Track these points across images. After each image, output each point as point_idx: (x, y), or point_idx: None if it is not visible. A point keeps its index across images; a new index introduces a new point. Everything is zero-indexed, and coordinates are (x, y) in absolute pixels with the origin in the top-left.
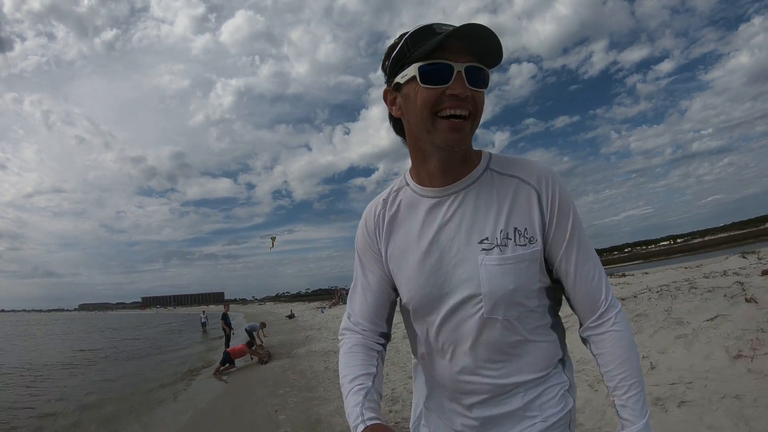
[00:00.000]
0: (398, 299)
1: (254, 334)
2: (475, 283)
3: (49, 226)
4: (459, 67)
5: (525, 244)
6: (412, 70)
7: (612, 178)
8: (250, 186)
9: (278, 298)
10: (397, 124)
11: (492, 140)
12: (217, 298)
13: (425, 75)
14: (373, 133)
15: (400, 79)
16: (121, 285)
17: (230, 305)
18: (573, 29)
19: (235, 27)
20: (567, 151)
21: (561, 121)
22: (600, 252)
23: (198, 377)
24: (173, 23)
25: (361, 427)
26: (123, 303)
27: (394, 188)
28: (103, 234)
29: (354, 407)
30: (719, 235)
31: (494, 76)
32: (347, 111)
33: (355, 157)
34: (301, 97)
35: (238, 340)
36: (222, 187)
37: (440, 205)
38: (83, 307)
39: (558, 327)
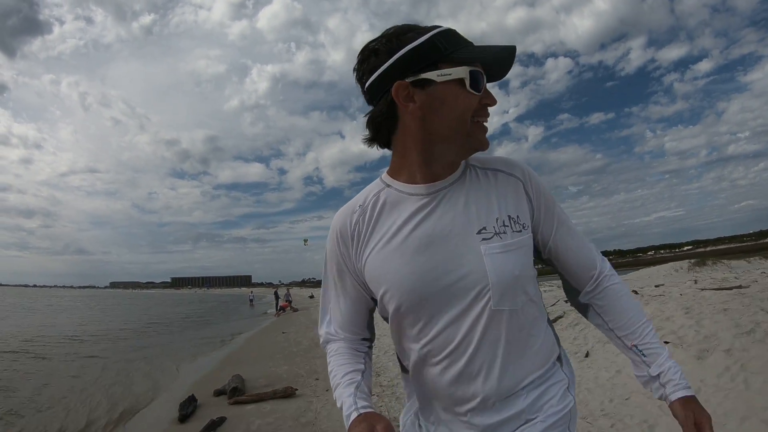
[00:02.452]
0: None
1: (290, 298)
2: (481, 273)
3: (81, 204)
4: (488, 80)
5: (520, 230)
6: (460, 72)
7: (645, 178)
8: (282, 171)
9: (304, 283)
10: (390, 121)
11: (525, 134)
12: (244, 281)
13: (474, 80)
14: None
15: (436, 77)
16: (150, 264)
17: (257, 288)
18: (611, 25)
19: (272, 13)
20: (600, 149)
21: (596, 118)
22: (623, 253)
23: (267, 316)
24: (211, 9)
25: (355, 414)
26: (153, 282)
27: (372, 192)
28: (135, 214)
29: (347, 397)
30: (734, 245)
31: (530, 70)
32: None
33: (388, 153)
34: (336, 84)
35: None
36: (254, 171)
37: (430, 203)
38: (114, 285)
39: (550, 323)
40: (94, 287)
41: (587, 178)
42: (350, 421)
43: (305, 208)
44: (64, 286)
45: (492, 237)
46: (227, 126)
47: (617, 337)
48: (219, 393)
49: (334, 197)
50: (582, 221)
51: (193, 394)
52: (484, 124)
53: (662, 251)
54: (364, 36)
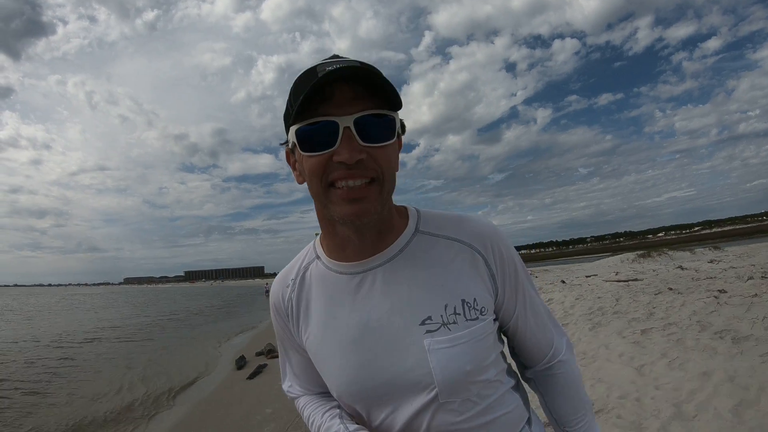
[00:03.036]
0: None
1: None
2: (424, 370)
3: (93, 202)
4: (345, 121)
5: (476, 318)
6: (291, 135)
7: (655, 158)
8: None
9: None
10: None
11: (534, 117)
12: (257, 272)
13: (304, 140)
14: (414, 108)
15: (289, 143)
16: (163, 259)
17: (271, 278)
18: (618, 4)
19: (276, 4)
20: (610, 130)
21: (604, 99)
22: (633, 235)
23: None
24: (214, 2)
25: None
26: (166, 277)
27: (303, 263)
28: (146, 210)
29: (337, 425)
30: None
31: (536, 52)
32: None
33: None
34: None
35: None
36: (263, 162)
37: (363, 283)
38: (128, 281)
39: (519, 387)
40: (108, 284)
41: (597, 159)
42: None
43: None
44: (78, 284)
45: (438, 329)
46: (235, 118)
47: (552, 417)
48: (259, 353)
49: None
50: (593, 203)
51: (243, 355)
52: (341, 186)
53: (672, 232)
54: (368, 24)
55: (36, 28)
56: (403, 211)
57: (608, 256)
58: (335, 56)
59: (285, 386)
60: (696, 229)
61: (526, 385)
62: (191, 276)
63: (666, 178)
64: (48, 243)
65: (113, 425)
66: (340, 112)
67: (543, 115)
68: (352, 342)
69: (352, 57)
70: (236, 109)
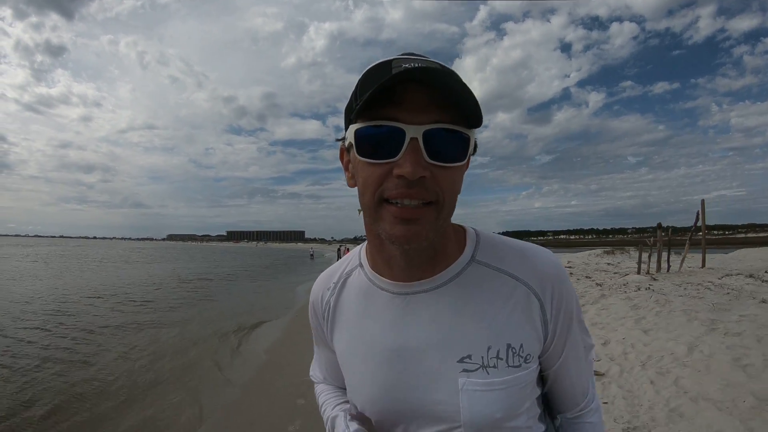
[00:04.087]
0: None
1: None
2: (453, 408)
3: (139, 160)
4: (413, 131)
5: (519, 365)
6: (349, 134)
7: (707, 153)
8: (338, 129)
9: (356, 241)
10: None
11: (586, 100)
12: (298, 236)
13: (363, 143)
14: (467, 82)
15: (346, 141)
16: (206, 218)
17: (310, 243)
18: None
19: None
20: (663, 120)
21: (660, 87)
22: (677, 230)
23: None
24: None
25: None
26: (209, 235)
27: (346, 268)
28: (191, 169)
29: (340, 422)
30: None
31: (593, 34)
32: (441, 58)
33: None
34: (394, 42)
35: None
36: (310, 128)
37: (405, 306)
38: (171, 237)
39: (552, 425)
40: (151, 239)
41: (648, 149)
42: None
43: None
44: (123, 238)
45: (476, 370)
46: (284, 83)
47: None
48: None
49: None
50: (639, 194)
51: None
52: (397, 206)
53: (715, 232)
54: None
55: None
56: (461, 234)
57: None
58: (411, 54)
59: (310, 370)
60: (741, 232)
61: None
62: (233, 236)
63: (716, 175)
64: (94, 197)
65: (251, 328)
66: (410, 119)
67: (596, 98)
68: (384, 362)
69: (404, 26)
70: (286, 74)
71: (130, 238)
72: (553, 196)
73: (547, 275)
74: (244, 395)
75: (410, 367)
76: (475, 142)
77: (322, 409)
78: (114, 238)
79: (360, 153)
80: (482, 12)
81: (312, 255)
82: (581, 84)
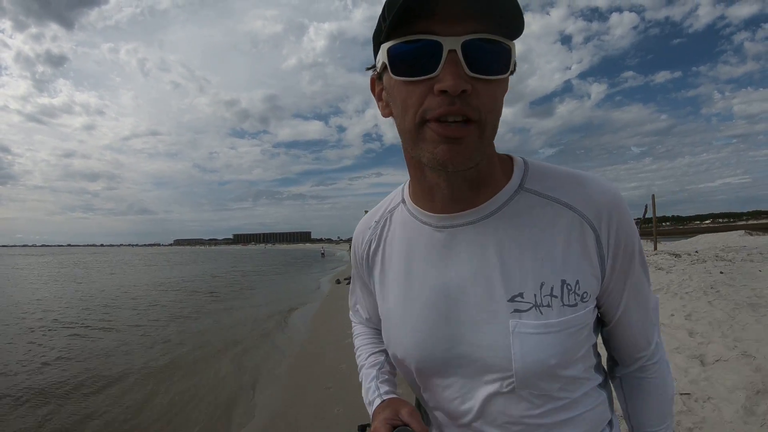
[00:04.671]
0: None
1: None
2: (503, 354)
3: (144, 166)
4: (451, 43)
5: (575, 304)
6: (382, 54)
7: (711, 141)
8: (341, 129)
9: None
10: None
11: (588, 92)
12: (304, 237)
13: (398, 61)
14: None
15: (378, 65)
16: (212, 222)
17: (316, 243)
18: None
19: None
20: (666, 109)
21: (662, 77)
22: (681, 220)
23: (346, 262)
24: None
25: (378, 401)
26: (215, 239)
27: (390, 206)
28: (196, 174)
29: (370, 381)
30: None
31: (593, 25)
32: None
33: None
34: None
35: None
36: (313, 129)
37: (449, 240)
38: (178, 242)
39: (606, 384)
40: (158, 245)
41: (651, 139)
42: (374, 407)
43: (364, 165)
44: (129, 245)
45: (529, 309)
46: (286, 85)
47: (631, 423)
48: (347, 279)
49: (393, 154)
50: (644, 184)
51: (338, 278)
52: (441, 124)
53: (720, 220)
54: None
55: None
56: (507, 162)
57: None
58: None
59: (350, 309)
60: (746, 218)
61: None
62: (240, 239)
63: (721, 163)
64: (100, 205)
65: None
66: (446, 30)
67: (597, 90)
68: (426, 304)
69: None
70: (287, 75)
71: (137, 245)
72: None
73: (604, 204)
74: (295, 361)
75: (455, 308)
76: (514, 59)
77: (357, 354)
78: (121, 245)
79: (395, 72)
80: None
81: (323, 254)
82: (582, 76)
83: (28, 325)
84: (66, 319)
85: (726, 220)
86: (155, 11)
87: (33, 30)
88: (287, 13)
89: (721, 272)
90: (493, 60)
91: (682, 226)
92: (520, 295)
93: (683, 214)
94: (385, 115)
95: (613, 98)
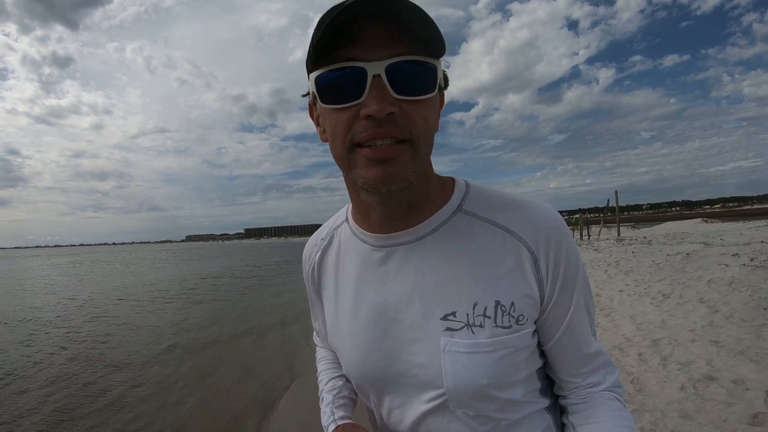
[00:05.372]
0: None
1: None
2: (435, 371)
3: (153, 164)
4: (374, 68)
5: (509, 326)
6: (311, 84)
7: (721, 125)
8: None
9: None
10: None
11: (596, 77)
12: (315, 229)
13: (325, 90)
14: (474, 67)
15: (311, 92)
16: (223, 217)
17: None
18: None
19: None
20: (675, 93)
21: (670, 60)
22: (691, 205)
23: None
24: None
25: (332, 426)
26: (227, 234)
27: (334, 224)
28: (205, 169)
29: (326, 407)
30: None
31: (600, 10)
32: (447, 43)
33: (454, 92)
34: None
35: None
36: None
37: (386, 259)
38: (190, 238)
39: (554, 409)
40: (170, 241)
41: (660, 123)
42: None
43: None
44: (141, 242)
45: (461, 329)
46: (293, 78)
47: None
48: None
49: None
50: (654, 169)
51: None
52: (370, 148)
53: (730, 204)
54: None
55: None
56: (448, 184)
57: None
58: None
59: (313, 336)
60: (754, 203)
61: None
62: (252, 233)
63: (731, 146)
64: (110, 204)
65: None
66: (370, 56)
67: (605, 75)
68: (366, 322)
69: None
70: (294, 68)
71: (149, 242)
72: (568, 176)
73: (544, 228)
74: None
75: (392, 326)
76: (445, 73)
77: (319, 379)
78: (133, 242)
79: (324, 101)
80: None
81: None
82: (590, 61)
83: (171, 296)
84: (177, 293)
85: (735, 204)
86: (159, 9)
87: (38, 32)
88: (292, 6)
89: (633, 252)
90: (418, 80)
91: (655, 212)
92: (453, 314)
93: (694, 199)
94: (323, 140)
95: (622, 83)
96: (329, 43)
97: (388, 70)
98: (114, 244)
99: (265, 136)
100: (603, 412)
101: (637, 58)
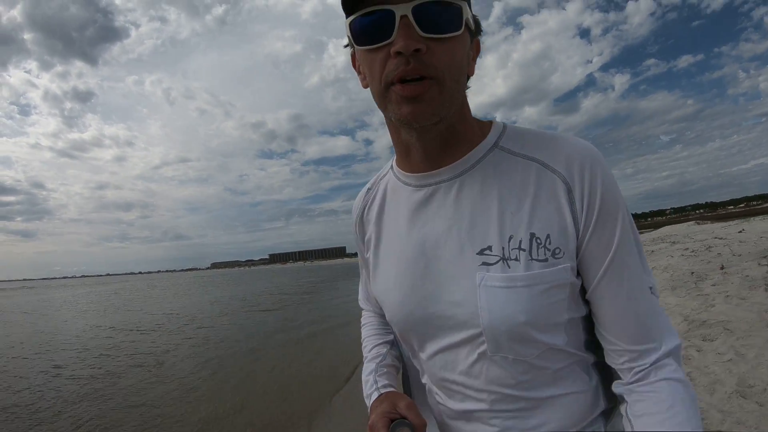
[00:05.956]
0: None
1: None
2: (471, 309)
3: (176, 193)
4: (402, 9)
5: (545, 259)
6: (346, 29)
7: (740, 123)
8: (368, 142)
9: None
10: None
11: (612, 83)
12: (339, 252)
13: (358, 33)
14: (489, 82)
15: (348, 41)
16: (246, 243)
17: (356, 257)
18: None
19: None
20: (691, 93)
21: (684, 61)
22: (715, 206)
23: None
24: None
25: (375, 394)
26: (252, 260)
27: (380, 175)
28: (227, 197)
29: (368, 375)
30: None
31: (610, 16)
32: None
33: (471, 107)
34: None
35: None
36: (340, 144)
37: (426, 198)
38: (215, 266)
39: (601, 370)
40: (196, 269)
41: (679, 125)
42: (371, 401)
43: None
44: (167, 271)
45: (496, 263)
46: (310, 103)
47: None
48: None
49: None
50: (676, 172)
51: None
52: (402, 85)
53: (754, 203)
54: None
55: (110, 33)
56: (486, 125)
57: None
58: None
59: (360, 300)
60: None
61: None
62: (276, 258)
63: (752, 144)
64: (135, 234)
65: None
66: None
67: (621, 81)
68: (407, 262)
69: None
70: (311, 93)
71: (174, 270)
72: None
73: (578, 158)
74: None
75: (432, 264)
76: (476, 18)
77: (363, 345)
78: (159, 271)
79: (358, 43)
80: (497, 8)
81: None
82: (604, 68)
83: (222, 311)
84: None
85: (758, 202)
86: (176, 41)
87: (59, 68)
88: (306, 32)
89: None
90: (444, 19)
91: (678, 216)
92: (489, 248)
93: (717, 200)
94: (364, 86)
95: (638, 88)
96: None
97: (414, 11)
98: (141, 273)
99: (285, 161)
100: (660, 400)
101: (651, 61)
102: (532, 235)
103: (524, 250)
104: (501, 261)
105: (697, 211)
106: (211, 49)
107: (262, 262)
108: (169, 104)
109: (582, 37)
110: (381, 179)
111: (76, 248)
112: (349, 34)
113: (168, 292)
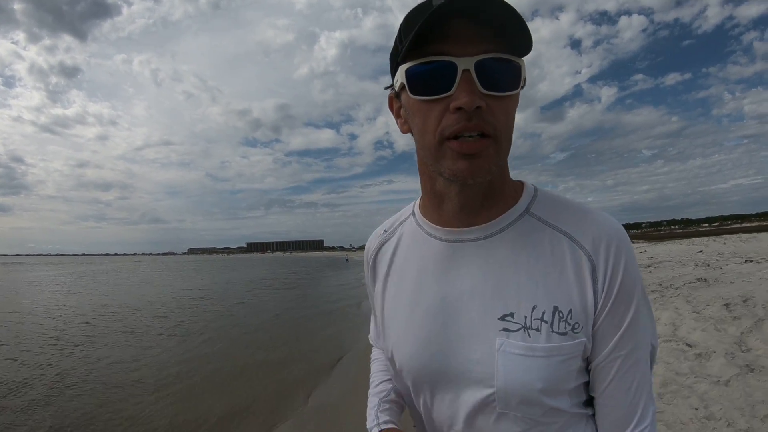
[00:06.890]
0: None
1: None
2: (488, 371)
3: (156, 176)
4: (465, 63)
5: (565, 333)
6: (400, 75)
7: (722, 143)
8: (353, 137)
9: None
10: None
11: (598, 95)
12: (317, 245)
13: (415, 82)
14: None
15: (396, 85)
16: (224, 231)
17: (329, 252)
18: None
19: None
20: (677, 111)
21: (672, 78)
22: (690, 223)
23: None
24: None
25: (376, 430)
26: (229, 248)
27: (400, 218)
28: (208, 183)
29: (371, 410)
30: None
31: (602, 29)
32: None
33: None
34: None
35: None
36: (324, 137)
37: (452, 254)
38: (192, 251)
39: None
40: (173, 254)
41: (662, 141)
42: None
43: (375, 172)
44: (143, 254)
45: (517, 330)
46: (298, 94)
47: None
48: None
49: (404, 161)
50: (656, 187)
51: None
52: (459, 141)
53: (728, 222)
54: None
55: (101, 9)
56: (518, 186)
57: None
58: None
59: (370, 332)
60: (754, 221)
61: None
62: (253, 247)
63: (733, 164)
64: (112, 214)
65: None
66: (460, 51)
67: (608, 93)
68: (426, 313)
69: None
70: (299, 84)
71: (150, 254)
72: (570, 194)
73: (604, 237)
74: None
75: (452, 321)
76: (524, 75)
77: (370, 381)
78: (135, 253)
79: (413, 92)
80: None
81: (347, 260)
82: (593, 80)
83: (248, 289)
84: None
85: (729, 222)
86: (168, 22)
87: (47, 41)
88: (299, 23)
89: None
90: (504, 77)
91: (654, 230)
92: (511, 315)
93: (694, 217)
94: (404, 131)
95: (624, 101)
96: (421, 40)
97: (477, 66)
98: (116, 254)
99: (268, 150)
100: None
101: (639, 76)
102: (555, 308)
103: (546, 322)
104: (522, 329)
105: (672, 227)
106: (202, 32)
107: (240, 250)
108: (156, 85)
109: (573, 47)
110: (401, 223)
111: (52, 226)
112: (404, 80)
113: (167, 273)
